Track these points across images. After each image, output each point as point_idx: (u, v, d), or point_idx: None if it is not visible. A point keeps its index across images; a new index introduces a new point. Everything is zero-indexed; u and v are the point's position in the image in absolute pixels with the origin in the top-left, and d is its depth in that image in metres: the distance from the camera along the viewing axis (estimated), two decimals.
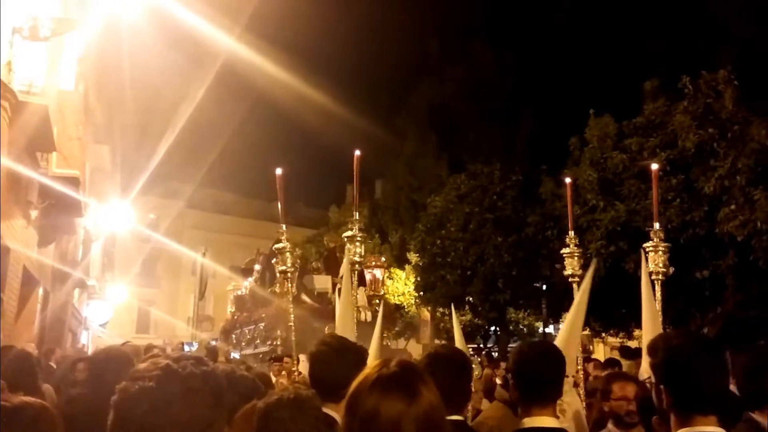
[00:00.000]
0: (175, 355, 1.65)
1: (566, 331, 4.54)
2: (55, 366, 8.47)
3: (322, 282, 13.77)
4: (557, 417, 2.60)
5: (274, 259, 11.74)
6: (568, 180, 6.01)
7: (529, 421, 2.52)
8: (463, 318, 23.43)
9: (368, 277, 12.64)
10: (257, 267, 15.89)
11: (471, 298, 21.07)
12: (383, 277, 12.55)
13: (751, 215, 12.93)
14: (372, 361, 5.24)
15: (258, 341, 14.14)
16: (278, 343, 12.35)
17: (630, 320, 17.02)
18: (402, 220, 27.61)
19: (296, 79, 20.11)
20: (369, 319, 11.98)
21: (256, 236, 34.24)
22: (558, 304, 20.11)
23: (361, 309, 11.03)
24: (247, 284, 16.44)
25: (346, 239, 5.36)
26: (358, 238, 5.28)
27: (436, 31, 29.43)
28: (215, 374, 1.60)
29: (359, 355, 3.19)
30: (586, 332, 20.94)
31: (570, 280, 5.23)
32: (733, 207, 13.27)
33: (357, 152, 5.33)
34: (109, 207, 20.63)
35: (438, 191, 22.57)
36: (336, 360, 3.04)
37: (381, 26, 31.99)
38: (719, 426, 2.05)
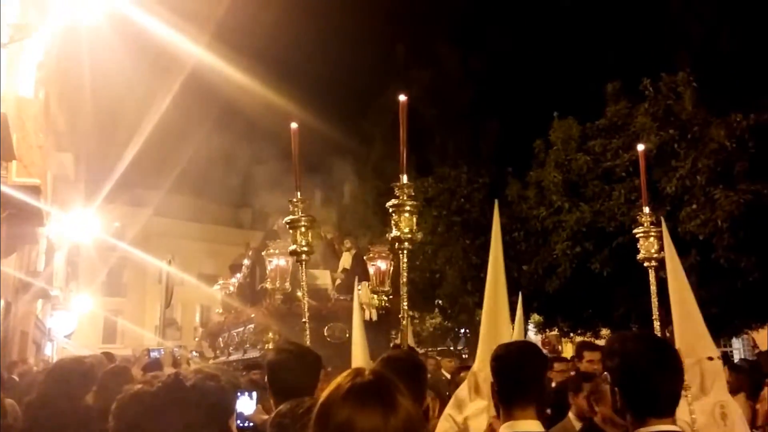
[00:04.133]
0: (190, 371, 1.83)
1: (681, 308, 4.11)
2: (17, 379, 8.31)
3: (320, 277, 12.43)
4: (540, 421, 2.50)
5: (268, 246, 10.39)
6: (640, 147, 5.12)
7: (512, 425, 2.44)
8: (433, 321, 23.51)
9: (372, 270, 11.48)
10: (246, 262, 14.21)
11: (440, 301, 21.12)
12: (389, 269, 11.37)
13: (712, 214, 13.20)
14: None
15: (248, 345, 12.69)
16: (270, 347, 10.69)
17: (597, 320, 17.24)
18: (370, 224, 27.55)
19: (262, 85, 19.99)
20: (375, 318, 11.14)
21: (224, 243, 33.86)
22: (527, 305, 20.27)
23: (365, 307, 10.14)
24: (235, 281, 14.95)
25: (286, 224, 4.39)
26: (303, 223, 4.26)
27: (402, 35, 29.47)
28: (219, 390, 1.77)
29: (317, 361, 3.17)
30: (555, 332, 21.16)
31: (646, 264, 4.41)
32: (694, 206, 13.54)
33: (294, 125, 4.41)
34: (73, 216, 20.27)
35: None
36: (294, 366, 3.03)
37: (347, 32, 31.97)
38: (674, 425, 2.07)
